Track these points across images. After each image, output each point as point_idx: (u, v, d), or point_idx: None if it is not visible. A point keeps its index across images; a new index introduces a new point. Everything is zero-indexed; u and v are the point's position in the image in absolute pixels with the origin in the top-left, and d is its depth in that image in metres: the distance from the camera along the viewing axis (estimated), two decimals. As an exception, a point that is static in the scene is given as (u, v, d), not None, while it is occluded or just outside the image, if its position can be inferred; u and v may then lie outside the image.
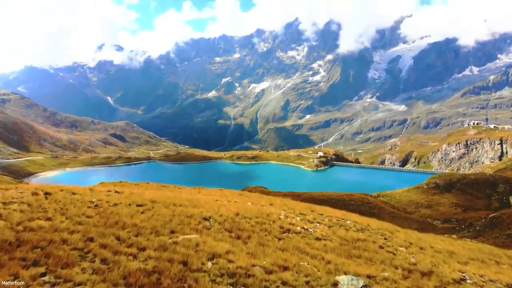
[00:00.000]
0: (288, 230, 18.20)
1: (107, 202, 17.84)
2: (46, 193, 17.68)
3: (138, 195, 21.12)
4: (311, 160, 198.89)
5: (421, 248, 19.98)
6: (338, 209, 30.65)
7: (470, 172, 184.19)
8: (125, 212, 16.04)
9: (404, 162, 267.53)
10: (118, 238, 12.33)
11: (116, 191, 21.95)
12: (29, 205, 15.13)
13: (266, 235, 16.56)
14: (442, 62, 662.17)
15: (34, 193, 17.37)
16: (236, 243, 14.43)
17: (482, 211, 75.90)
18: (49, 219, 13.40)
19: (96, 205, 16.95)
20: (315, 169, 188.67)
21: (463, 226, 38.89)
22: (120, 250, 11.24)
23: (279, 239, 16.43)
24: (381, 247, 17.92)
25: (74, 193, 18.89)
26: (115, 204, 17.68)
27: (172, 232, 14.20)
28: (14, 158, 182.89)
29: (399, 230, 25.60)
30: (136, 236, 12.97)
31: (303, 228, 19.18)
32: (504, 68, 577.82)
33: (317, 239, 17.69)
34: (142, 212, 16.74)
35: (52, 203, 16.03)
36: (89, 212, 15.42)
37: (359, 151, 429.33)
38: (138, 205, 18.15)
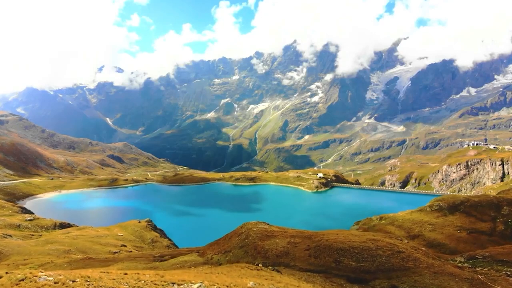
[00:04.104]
0: None
1: None
2: None
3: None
4: (311, 181, 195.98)
5: None
6: (367, 272, 20.40)
7: (472, 193, 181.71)
8: None
9: (404, 183, 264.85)
10: None
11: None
12: None
13: None
14: (439, 83, 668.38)
15: None
16: None
17: (510, 244, 71.98)
18: None
19: None
20: (315, 190, 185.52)
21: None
22: None
23: None
24: None
25: None
26: None
27: None
28: (10, 180, 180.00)
29: None
30: None
31: None
32: (501, 89, 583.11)
33: None
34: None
35: None
36: None
37: (358, 171, 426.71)
38: None
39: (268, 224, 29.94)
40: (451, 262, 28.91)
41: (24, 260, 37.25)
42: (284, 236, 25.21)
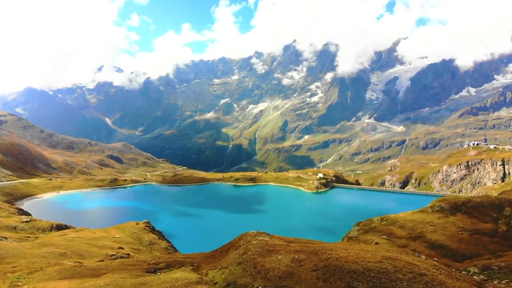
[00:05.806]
0: None
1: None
2: None
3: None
4: (311, 181, 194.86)
5: None
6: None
7: (472, 194, 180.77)
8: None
9: (404, 184, 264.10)
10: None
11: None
12: None
13: None
14: (439, 83, 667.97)
15: None
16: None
17: None
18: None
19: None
20: (315, 191, 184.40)
21: None
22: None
23: None
24: None
25: None
26: None
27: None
28: (8, 180, 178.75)
29: None
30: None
31: None
32: (501, 89, 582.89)
33: None
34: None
35: None
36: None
37: (358, 171, 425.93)
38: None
39: (269, 235, 28.00)
40: (464, 273, 27.52)
41: (13, 267, 36.10)
42: (287, 251, 23.41)
